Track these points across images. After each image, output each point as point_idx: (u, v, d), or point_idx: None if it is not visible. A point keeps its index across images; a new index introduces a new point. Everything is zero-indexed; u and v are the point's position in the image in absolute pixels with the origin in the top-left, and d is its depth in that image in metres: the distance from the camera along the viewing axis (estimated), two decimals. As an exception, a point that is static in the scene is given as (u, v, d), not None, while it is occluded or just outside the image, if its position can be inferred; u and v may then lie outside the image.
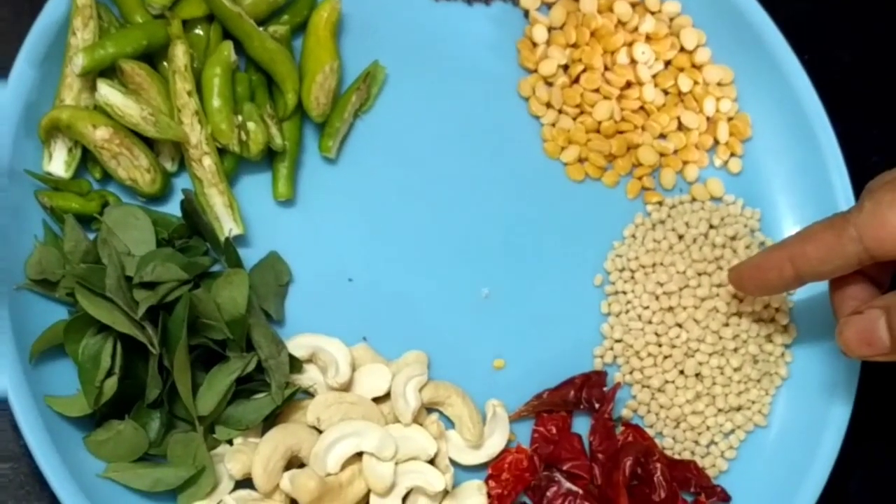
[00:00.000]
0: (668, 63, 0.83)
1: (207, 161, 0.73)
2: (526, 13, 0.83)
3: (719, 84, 0.83)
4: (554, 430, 0.75)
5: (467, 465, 0.73)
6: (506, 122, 0.81)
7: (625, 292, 0.78)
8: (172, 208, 0.74)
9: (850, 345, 0.65)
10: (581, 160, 0.81)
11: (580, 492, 0.73)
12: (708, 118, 0.82)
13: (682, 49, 0.83)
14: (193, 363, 0.68)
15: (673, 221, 0.80)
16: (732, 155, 0.83)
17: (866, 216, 0.63)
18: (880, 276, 0.68)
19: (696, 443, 0.76)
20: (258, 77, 0.76)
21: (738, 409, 0.77)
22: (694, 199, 0.81)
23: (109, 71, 0.72)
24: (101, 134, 0.71)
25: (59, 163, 0.72)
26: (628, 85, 0.82)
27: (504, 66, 0.82)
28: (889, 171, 0.66)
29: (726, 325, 0.77)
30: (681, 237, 0.79)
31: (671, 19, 0.83)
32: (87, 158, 0.73)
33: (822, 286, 0.75)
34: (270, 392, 0.69)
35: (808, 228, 0.67)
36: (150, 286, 0.67)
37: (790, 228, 0.80)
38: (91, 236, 0.70)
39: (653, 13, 0.83)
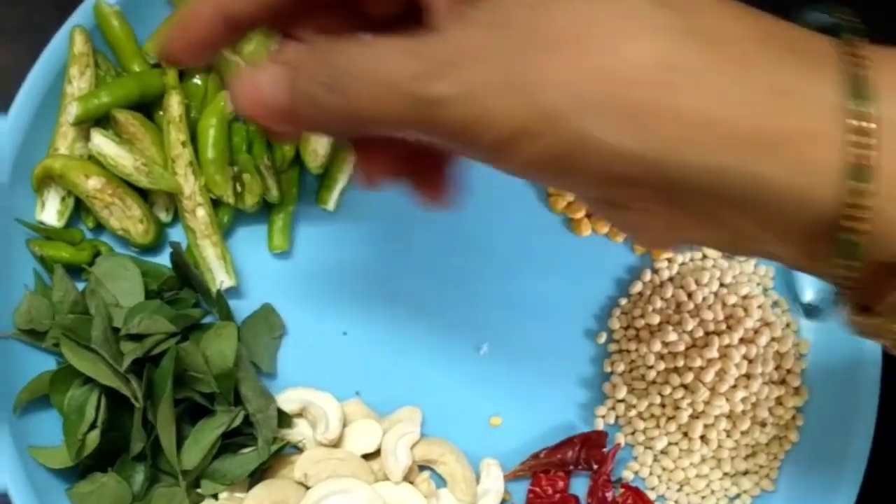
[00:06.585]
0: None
1: (201, 212, 0.72)
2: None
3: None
4: (551, 491, 0.73)
5: (459, 525, 0.71)
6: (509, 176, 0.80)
7: (629, 351, 0.75)
8: (167, 259, 0.73)
9: (240, 100, 0.47)
10: (587, 215, 0.78)
11: (574, 556, 0.71)
12: (720, 173, 0.80)
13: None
14: (180, 416, 0.67)
15: (682, 279, 0.77)
16: (745, 211, 0.80)
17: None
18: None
19: (699, 508, 0.74)
20: (256, 128, 0.75)
21: (745, 473, 0.75)
22: (705, 257, 0.78)
23: (105, 120, 0.72)
24: (93, 184, 0.70)
25: (51, 212, 0.71)
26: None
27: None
28: None
29: (735, 387, 0.74)
30: (690, 296, 0.76)
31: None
32: (80, 208, 0.73)
33: (834, 357, 0.73)
34: (257, 447, 0.68)
35: None
36: (137, 338, 0.67)
37: (804, 288, 0.78)
38: (82, 286, 0.70)
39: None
